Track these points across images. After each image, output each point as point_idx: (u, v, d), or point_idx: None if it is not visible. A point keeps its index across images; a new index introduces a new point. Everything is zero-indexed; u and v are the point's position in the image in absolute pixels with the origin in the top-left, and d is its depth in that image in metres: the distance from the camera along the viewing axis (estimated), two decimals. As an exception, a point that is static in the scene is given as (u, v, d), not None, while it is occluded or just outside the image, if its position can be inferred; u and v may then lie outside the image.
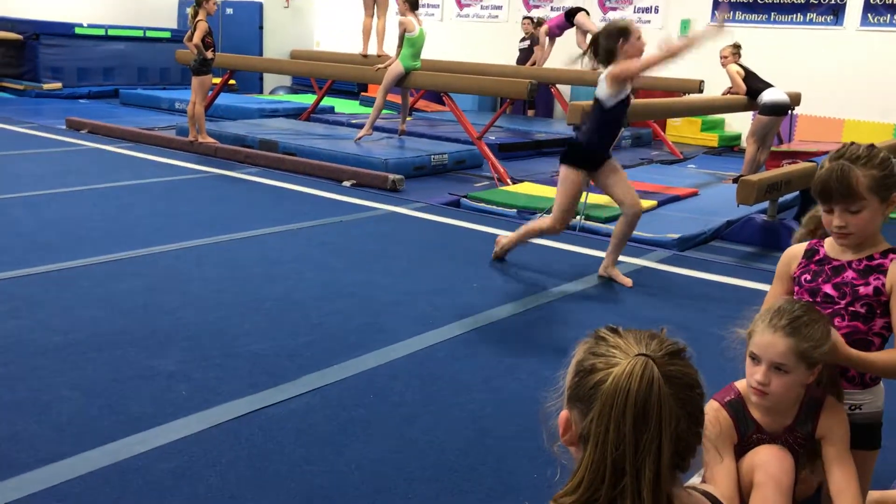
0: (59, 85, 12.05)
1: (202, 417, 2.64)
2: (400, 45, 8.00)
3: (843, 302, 1.96)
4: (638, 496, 1.06)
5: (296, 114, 10.41)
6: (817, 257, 2.03)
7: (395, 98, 11.97)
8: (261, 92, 13.79)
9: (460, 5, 13.34)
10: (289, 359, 3.15)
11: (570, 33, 11.18)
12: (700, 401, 1.12)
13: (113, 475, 2.29)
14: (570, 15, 10.95)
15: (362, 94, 12.60)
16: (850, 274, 1.97)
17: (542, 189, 6.53)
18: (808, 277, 2.02)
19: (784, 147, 8.68)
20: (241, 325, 3.47)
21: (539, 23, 11.50)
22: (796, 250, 2.10)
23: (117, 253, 4.40)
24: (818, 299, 1.99)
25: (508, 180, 7.04)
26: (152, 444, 2.46)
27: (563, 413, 1.16)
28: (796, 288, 2.05)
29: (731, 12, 10.64)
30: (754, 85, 7.67)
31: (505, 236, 4.58)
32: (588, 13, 11.05)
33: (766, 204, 5.48)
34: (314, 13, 14.78)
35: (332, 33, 14.50)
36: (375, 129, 8.45)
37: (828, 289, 1.98)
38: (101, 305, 3.62)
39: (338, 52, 12.81)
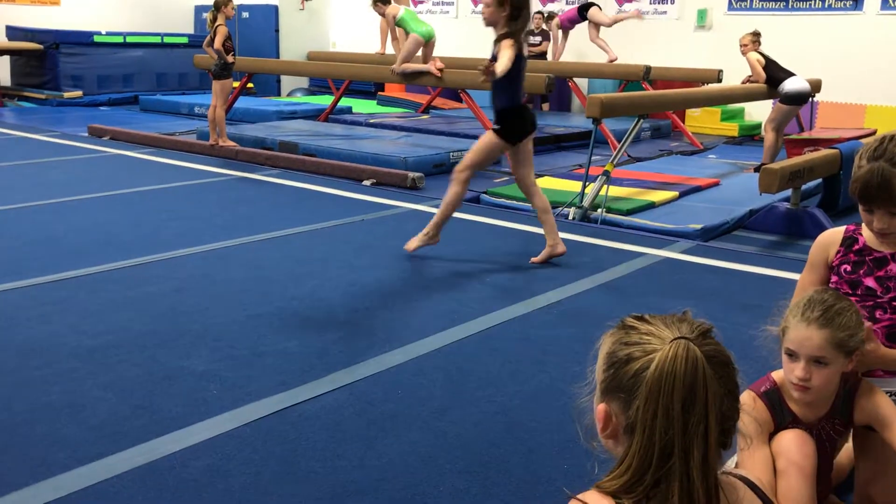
0: (79, 93, 12.17)
1: (233, 416, 2.68)
2: (395, 33, 8.06)
3: (886, 296, 1.94)
4: (686, 477, 1.06)
5: (314, 115, 10.45)
6: (856, 247, 2.00)
7: (414, 96, 12.02)
8: (278, 94, 13.86)
9: (475, 2, 13.32)
10: (317, 356, 3.18)
11: (582, 27, 11.15)
12: (736, 377, 1.13)
13: (148, 474, 2.33)
14: (583, 9, 10.92)
15: (379, 93, 12.63)
16: (894, 267, 1.95)
17: (562, 183, 6.52)
18: (849, 268, 1.99)
19: (805, 134, 8.60)
20: (269, 325, 3.50)
21: (550, 17, 11.48)
22: (833, 236, 2.06)
23: (144, 256, 4.45)
24: (858, 291, 1.97)
25: (528, 175, 7.02)
26: (185, 443, 2.49)
27: (601, 407, 1.15)
28: (834, 277, 2.02)
29: (750, 1, 10.56)
30: (775, 74, 7.62)
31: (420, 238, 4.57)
32: (600, 7, 11.01)
33: (788, 192, 5.45)
34: (329, 14, 14.84)
35: (348, 34, 14.54)
36: (392, 128, 8.46)
37: (870, 282, 1.96)
38: (131, 308, 3.67)
39: (354, 53, 12.85)
